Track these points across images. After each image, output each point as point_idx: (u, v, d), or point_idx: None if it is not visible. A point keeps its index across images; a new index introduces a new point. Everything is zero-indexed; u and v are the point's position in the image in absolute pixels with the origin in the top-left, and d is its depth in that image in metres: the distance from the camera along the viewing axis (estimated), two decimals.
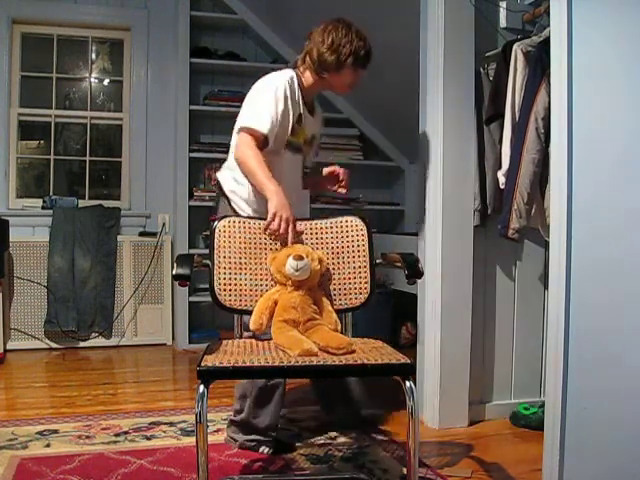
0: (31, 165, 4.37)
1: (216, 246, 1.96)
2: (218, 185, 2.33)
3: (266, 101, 2.17)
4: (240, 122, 2.20)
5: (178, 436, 2.41)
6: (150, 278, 4.17)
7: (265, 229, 2.04)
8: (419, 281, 2.00)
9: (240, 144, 2.16)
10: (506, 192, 2.37)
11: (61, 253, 3.97)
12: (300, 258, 1.85)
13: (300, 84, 2.26)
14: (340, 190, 2.42)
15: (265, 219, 2.03)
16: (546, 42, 2.05)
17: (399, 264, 1.96)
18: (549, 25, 1.94)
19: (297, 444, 2.33)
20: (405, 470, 2.02)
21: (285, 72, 2.26)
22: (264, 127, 2.14)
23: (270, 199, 2.05)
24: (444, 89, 2.51)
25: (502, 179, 2.42)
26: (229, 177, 2.29)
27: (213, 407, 2.72)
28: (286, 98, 2.17)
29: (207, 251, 2.03)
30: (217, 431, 2.46)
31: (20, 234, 3.95)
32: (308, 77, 2.28)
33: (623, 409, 1.63)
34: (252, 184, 2.17)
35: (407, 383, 1.58)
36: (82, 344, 4.03)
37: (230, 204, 2.27)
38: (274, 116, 2.15)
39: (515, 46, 2.36)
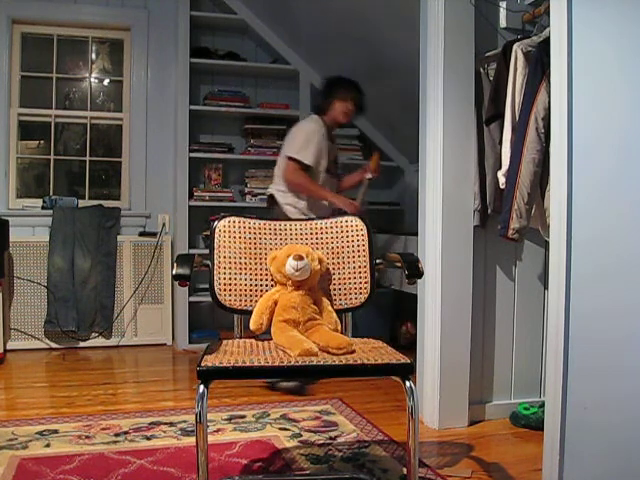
0: (31, 165, 4.37)
1: (216, 246, 1.96)
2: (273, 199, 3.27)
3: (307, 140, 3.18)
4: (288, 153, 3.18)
5: (178, 436, 2.41)
6: (150, 278, 4.17)
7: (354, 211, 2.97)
8: (419, 281, 2.01)
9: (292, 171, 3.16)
10: (506, 192, 2.36)
11: (61, 253, 3.97)
12: (300, 258, 1.85)
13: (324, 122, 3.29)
14: (368, 175, 3.37)
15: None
16: (546, 42, 2.04)
17: (399, 264, 1.96)
18: (549, 25, 1.94)
19: (297, 444, 2.34)
20: (405, 470, 2.03)
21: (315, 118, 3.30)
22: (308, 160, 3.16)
23: (337, 199, 3.19)
24: (444, 89, 2.51)
25: (502, 179, 2.42)
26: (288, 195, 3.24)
27: (213, 407, 2.73)
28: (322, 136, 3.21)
29: (207, 251, 2.03)
30: (217, 431, 2.46)
31: (20, 234, 3.96)
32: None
33: (623, 409, 1.63)
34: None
35: (407, 383, 1.58)
36: (82, 344, 4.03)
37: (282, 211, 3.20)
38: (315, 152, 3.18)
39: (515, 46, 2.36)
